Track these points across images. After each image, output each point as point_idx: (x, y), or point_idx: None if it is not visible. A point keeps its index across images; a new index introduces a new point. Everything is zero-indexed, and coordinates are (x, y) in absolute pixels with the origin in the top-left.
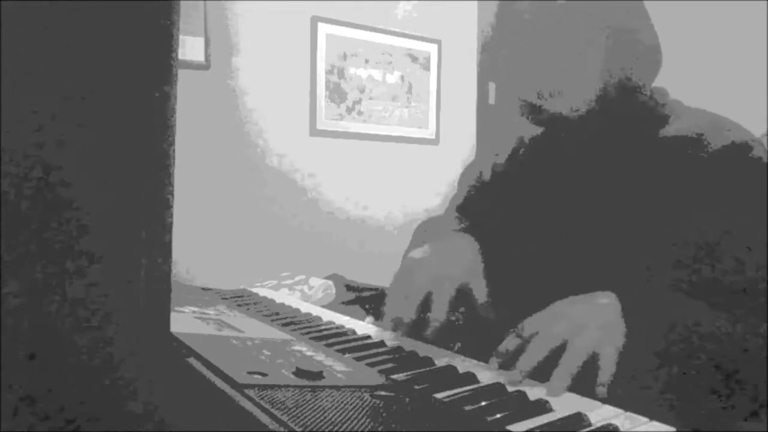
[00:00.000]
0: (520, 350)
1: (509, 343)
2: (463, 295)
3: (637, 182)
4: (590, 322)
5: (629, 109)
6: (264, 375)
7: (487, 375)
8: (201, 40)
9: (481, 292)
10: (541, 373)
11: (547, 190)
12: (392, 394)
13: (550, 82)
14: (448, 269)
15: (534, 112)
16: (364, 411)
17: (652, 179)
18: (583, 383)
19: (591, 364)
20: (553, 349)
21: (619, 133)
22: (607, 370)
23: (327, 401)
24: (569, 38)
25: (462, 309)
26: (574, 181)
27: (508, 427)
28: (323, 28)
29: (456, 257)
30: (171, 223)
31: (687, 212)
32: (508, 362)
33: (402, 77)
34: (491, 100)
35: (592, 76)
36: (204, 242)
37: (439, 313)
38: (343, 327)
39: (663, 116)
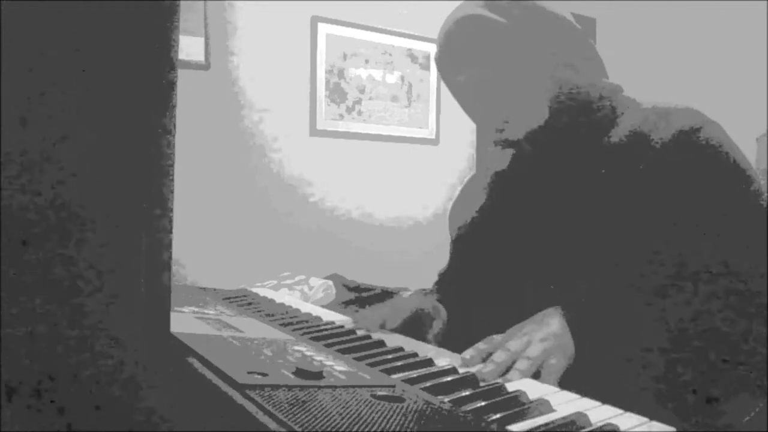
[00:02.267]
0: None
1: (475, 351)
2: (417, 318)
3: (593, 191)
4: (540, 335)
5: (578, 121)
6: (264, 375)
7: None
8: (201, 40)
9: (438, 322)
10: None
11: (515, 230)
12: (392, 394)
13: (502, 110)
14: (409, 301)
15: (496, 141)
16: (364, 411)
17: (605, 185)
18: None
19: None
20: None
21: (571, 146)
22: (552, 373)
23: (327, 401)
24: (517, 67)
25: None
26: (541, 211)
27: (508, 427)
28: (323, 28)
29: (418, 297)
30: (171, 223)
31: (641, 209)
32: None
33: (402, 77)
34: None
35: (541, 99)
36: (204, 242)
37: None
38: (343, 327)
39: (610, 119)
